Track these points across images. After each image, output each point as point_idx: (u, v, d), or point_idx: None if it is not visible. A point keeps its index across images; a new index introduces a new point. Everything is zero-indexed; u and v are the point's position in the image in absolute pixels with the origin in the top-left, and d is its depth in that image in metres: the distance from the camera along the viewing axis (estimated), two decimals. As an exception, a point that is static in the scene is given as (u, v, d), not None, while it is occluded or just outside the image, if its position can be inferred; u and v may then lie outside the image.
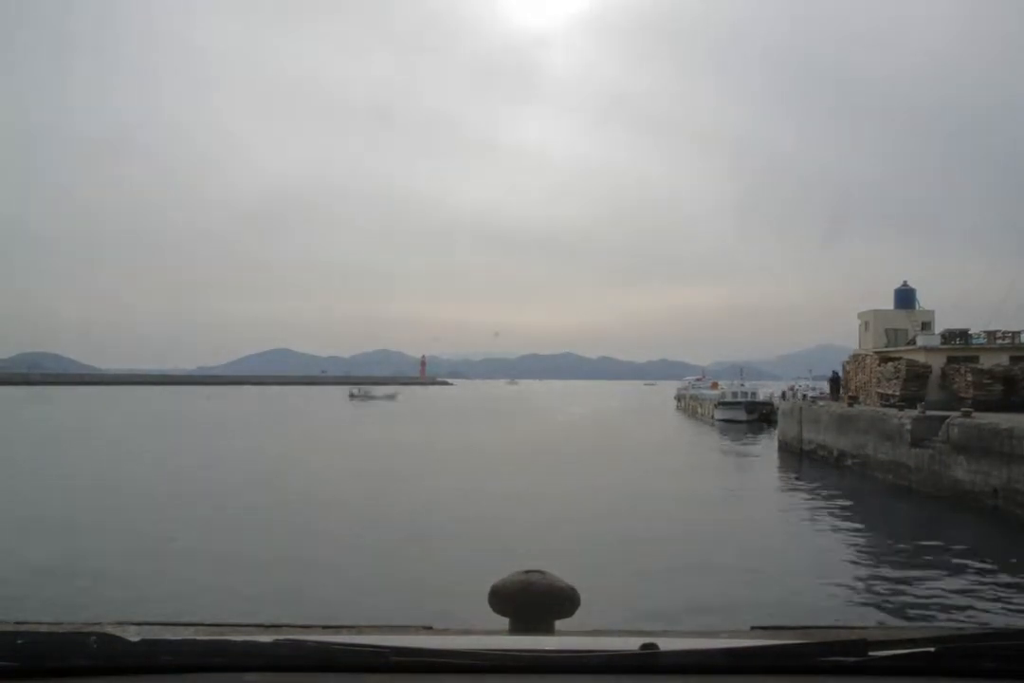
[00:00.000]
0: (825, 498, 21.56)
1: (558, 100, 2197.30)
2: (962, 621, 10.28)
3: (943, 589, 11.85)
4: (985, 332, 33.88)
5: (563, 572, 1.82)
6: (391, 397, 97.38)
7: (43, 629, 1.62)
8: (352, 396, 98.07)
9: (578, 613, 1.78)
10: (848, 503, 20.76)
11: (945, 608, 10.95)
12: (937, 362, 31.35)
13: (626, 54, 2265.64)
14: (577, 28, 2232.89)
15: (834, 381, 41.60)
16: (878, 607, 11.06)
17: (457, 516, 17.28)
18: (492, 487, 21.81)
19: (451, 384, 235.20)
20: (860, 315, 40.81)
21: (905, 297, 39.16)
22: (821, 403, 35.58)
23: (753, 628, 1.78)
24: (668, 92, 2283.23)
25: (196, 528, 15.97)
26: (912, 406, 25.86)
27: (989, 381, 28.59)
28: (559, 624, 1.76)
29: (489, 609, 1.78)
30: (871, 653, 1.40)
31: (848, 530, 17.07)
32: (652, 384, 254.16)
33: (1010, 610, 10.83)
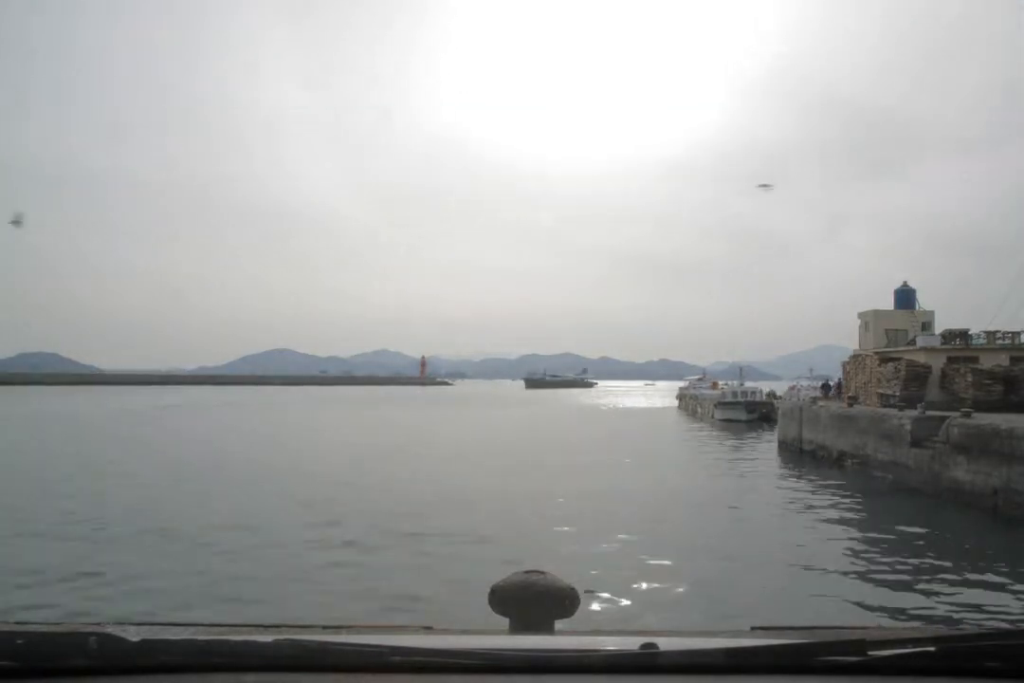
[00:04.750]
0: (825, 498, 21.52)
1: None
2: (962, 621, 10.28)
3: (943, 589, 11.84)
4: (985, 332, 33.89)
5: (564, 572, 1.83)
6: None
7: (43, 629, 1.62)
8: None
9: (578, 613, 1.78)
10: (848, 503, 20.72)
11: (945, 608, 10.94)
12: (937, 362, 31.34)
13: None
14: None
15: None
16: (878, 607, 11.05)
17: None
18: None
19: (451, 384, 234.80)
20: (860, 315, 40.81)
21: (905, 297, 39.18)
22: (821, 403, 35.59)
23: (753, 628, 1.78)
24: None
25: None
26: (912, 406, 25.84)
27: (989, 381, 28.57)
28: (559, 624, 1.76)
29: (489, 609, 1.78)
30: (871, 653, 1.40)
31: (848, 530, 17.06)
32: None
33: (1010, 610, 10.82)
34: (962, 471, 19.78)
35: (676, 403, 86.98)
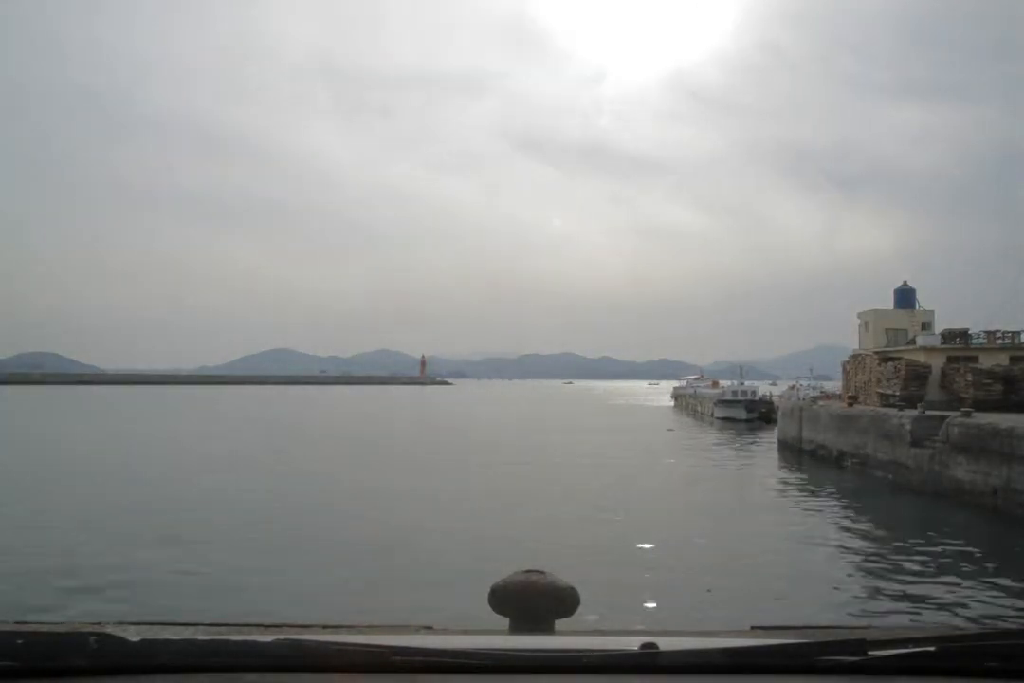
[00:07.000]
0: (825, 497, 21.55)
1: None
2: (962, 620, 10.28)
3: (943, 589, 11.84)
4: (985, 332, 33.90)
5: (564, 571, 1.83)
6: None
7: (43, 629, 1.62)
8: None
9: (578, 613, 1.77)
10: (848, 503, 20.74)
11: (945, 607, 10.93)
12: (937, 362, 31.35)
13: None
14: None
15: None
16: (878, 607, 11.05)
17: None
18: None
19: (451, 384, 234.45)
20: (860, 315, 40.80)
21: (905, 297, 39.17)
22: (821, 403, 35.58)
23: (753, 628, 1.78)
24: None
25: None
26: (912, 406, 25.84)
27: (989, 381, 28.57)
28: (559, 624, 1.76)
29: (489, 609, 1.78)
30: (871, 653, 1.40)
31: (848, 530, 17.05)
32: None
33: (1010, 609, 10.82)
34: (962, 471, 19.78)
35: (672, 402, 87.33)
